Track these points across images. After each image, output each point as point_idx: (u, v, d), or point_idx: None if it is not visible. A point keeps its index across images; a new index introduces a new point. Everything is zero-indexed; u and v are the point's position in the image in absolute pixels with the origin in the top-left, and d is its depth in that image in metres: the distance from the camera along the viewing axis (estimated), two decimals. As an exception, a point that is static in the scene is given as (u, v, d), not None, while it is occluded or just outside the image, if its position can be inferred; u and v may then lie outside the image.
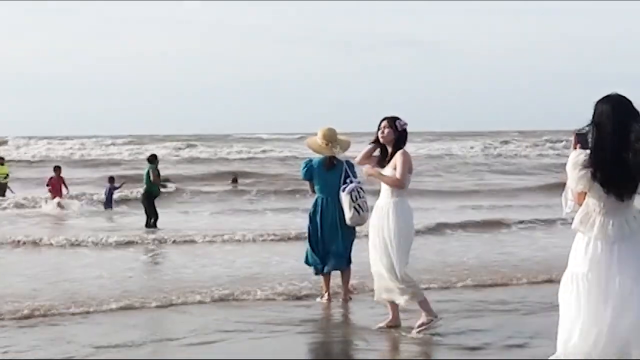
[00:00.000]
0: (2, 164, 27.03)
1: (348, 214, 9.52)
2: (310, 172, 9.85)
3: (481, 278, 11.29)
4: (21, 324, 8.77)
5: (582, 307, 4.95)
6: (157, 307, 9.66)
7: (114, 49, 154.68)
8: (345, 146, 9.96)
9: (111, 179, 24.65)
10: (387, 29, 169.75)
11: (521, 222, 17.93)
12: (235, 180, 31.38)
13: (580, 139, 5.09)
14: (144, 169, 19.99)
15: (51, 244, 15.42)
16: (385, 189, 8.05)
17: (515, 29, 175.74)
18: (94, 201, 24.44)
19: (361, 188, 9.66)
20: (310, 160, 9.95)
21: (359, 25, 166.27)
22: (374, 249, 8.06)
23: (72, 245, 15.33)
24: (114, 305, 9.57)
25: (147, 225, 18.85)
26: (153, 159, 19.72)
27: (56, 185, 23.71)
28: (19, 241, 15.56)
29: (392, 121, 8.11)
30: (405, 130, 8.11)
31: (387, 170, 8.03)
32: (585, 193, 5.03)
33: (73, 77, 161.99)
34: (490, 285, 10.92)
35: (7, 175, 26.63)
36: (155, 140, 58.09)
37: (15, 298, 9.93)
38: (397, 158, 7.99)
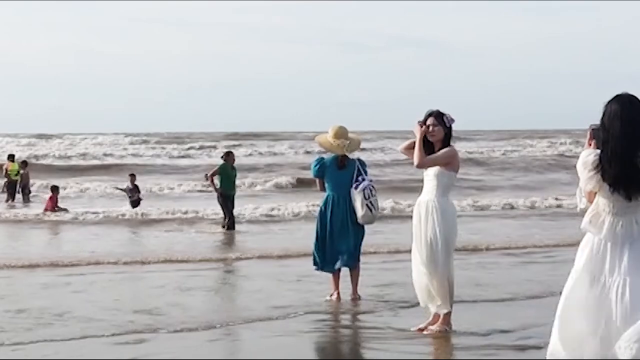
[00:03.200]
0: (13, 161, 27.33)
1: (360, 212, 9.45)
2: (322, 170, 9.75)
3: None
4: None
5: (582, 307, 4.93)
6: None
7: (120, 48, 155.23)
8: (356, 144, 9.91)
9: (132, 176, 23.81)
10: (396, 29, 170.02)
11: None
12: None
13: (596, 134, 5.05)
14: (220, 164, 19.14)
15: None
16: (428, 186, 7.77)
17: (524, 27, 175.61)
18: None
19: (373, 186, 9.66)
20: (322, 158, 9.90)
21: (369, 24, 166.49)
22: (417, 250, 7.78)
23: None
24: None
25: (228, 226, 18.38)
26: (228, 156, 19.13)
27: (51, 204, 22.03)
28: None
29: (440, 117, 7.76)
30: (451, 126, 7.78)
31: (431, 170, 7.72)
32: (595, 192, 5.01)
33: (80, 75, 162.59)
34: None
35: (18, 172, 26.71)
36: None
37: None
38: (448, 156, 7.69)
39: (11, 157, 27.87)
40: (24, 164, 27.89)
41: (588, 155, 5.00)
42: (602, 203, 5.01)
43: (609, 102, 5.01)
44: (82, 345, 7.77)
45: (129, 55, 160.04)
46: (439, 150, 7.72)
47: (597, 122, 5.03)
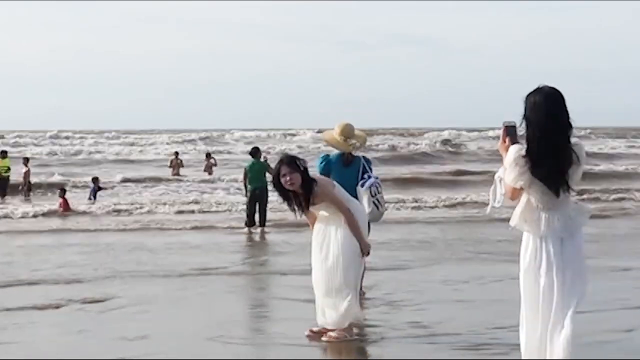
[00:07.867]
0: (4, 157, 26.15)
1: (367, 209, 9.34)
2: (328, 167, 9.69)
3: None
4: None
5: (533, 306, 4.95)
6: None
7: (120, 48, 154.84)
8: (363, 141, 9.87)
9: (95, 180, 24.54)
10: (395, 27, 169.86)
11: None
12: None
13: (510, 131, 4.95)
14: (246, 164, 18.45)
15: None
16: (326, 214, 7.57)
17: (523, 26, 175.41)
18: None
19: (379, 183, 9.60)
20: (328, 156, 9.86)
21: (368, 23, 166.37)
22: (325, 262, 7.56)
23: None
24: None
25: (253, 224, 17.66)
26: (257, 152, 18.54)
27: (65, 205, 21.57)
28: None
29: (293, 163, 7.41)
30: (306, 167, 7.49)
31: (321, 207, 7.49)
32: (522, 189, 4.92)
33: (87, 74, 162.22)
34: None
35: (9, 168, 25.83)
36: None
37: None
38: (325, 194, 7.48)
39: (3, 154, 26.51)
40: (26, 160, 27.16)
41: (519, 151, 4.88)
42: (534, 199, 4.93)
43: (530, 94, 4.91)
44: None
45: (129, 55, 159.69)
46: (303, 195, 7.40)
47: (515, 119, 4.92)
